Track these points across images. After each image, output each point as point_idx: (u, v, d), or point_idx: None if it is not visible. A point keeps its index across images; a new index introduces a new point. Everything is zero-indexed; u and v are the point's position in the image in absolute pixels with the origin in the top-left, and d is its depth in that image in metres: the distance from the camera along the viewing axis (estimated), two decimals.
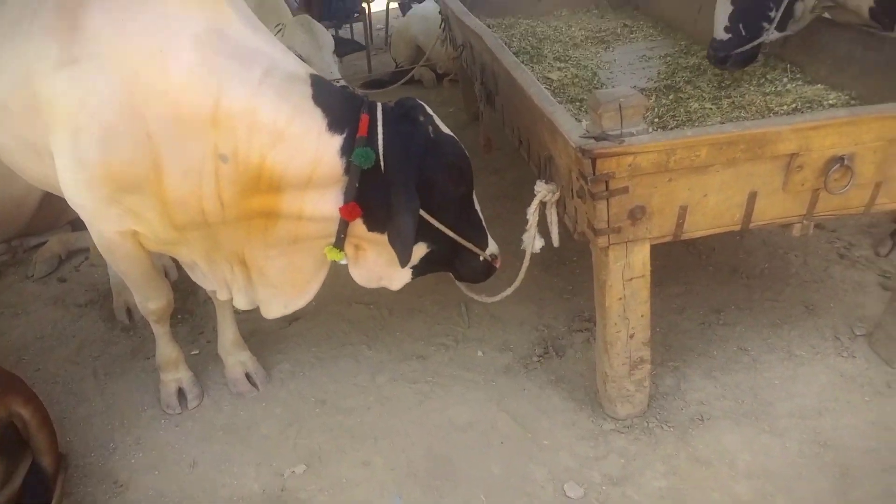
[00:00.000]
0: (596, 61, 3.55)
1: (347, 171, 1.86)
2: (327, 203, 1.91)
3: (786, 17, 2.57)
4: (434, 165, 1.90)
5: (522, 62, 3.47)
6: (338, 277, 2.29)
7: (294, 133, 1.82)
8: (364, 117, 1.86)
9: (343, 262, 2.07)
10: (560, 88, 3.10)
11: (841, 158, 1.85)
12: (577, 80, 3.18)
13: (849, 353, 2.36)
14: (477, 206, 2.11)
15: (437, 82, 5.77)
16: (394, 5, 7.66)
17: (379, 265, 2.10)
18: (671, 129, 2.56)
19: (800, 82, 2.71)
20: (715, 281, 2.87)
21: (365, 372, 2.53)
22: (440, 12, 4.45)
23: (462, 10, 3.67)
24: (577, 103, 2.94)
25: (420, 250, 2.02)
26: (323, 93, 1.89)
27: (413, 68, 4.83)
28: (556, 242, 2.15)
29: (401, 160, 1.86)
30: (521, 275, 2.19)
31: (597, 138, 1.80)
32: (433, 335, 2.66)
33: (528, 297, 2.77)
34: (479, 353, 2.55)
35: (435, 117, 1.99)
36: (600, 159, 1.78)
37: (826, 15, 2.73)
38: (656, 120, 2.67)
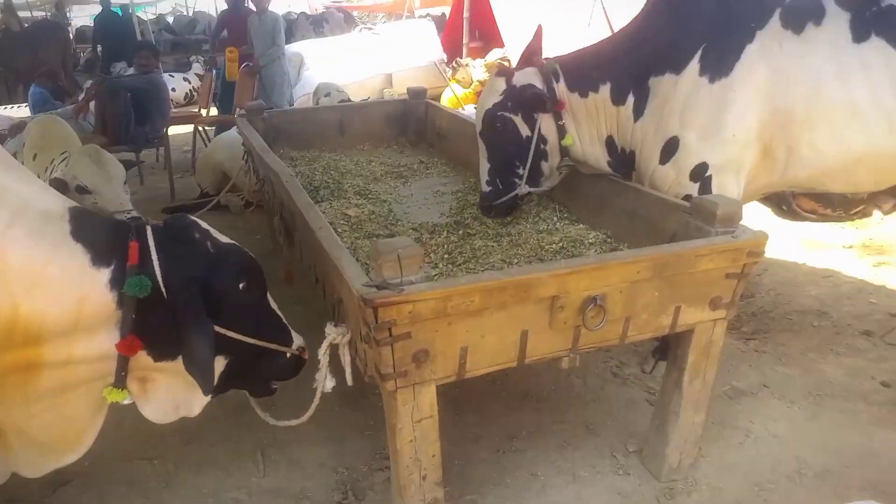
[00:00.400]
0: (394, 195, 3.75)
1: (121, 303, 1.76)
2: (101, 341, 1.78)
3: (536, 174, 2.95)
4: (221, 279, 1.88)
5: (324, 198, 3.60)
6: (119, 430, 2.09)
7: (52, 275, 1.70)
8: (133, 244, 1.79)
9: (127, 401, 1.91)
10: (357, 224, 3.21)
11: (594, 299, 2.09)
12: (373, 216, 3.31)
13: (624, 471, 2.56)
14: (273, 305, 2.12)
15: (244, 209, 5.72)
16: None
17: (173, 394, 1.97)
18: (459, 264, 2.75)
19: (566, 221, 3.06)
20: (508, 407, 3.01)
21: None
22: (243, 143, 4.48)
23: (262, 145, 3.74)
24: (374, 238, 3.06)
25: (219, 365, 1.94)
26: (84, 227, 1.79)
27: (216, 197, 4.77)
28: (349, 382, 2.16)
29: (183, 282, 1.81)
30: (311, 411, 2.18)
31: (378, 287, 1.88)
32: (224, 489, 2.48)
33: (328, 435, 2.72)
34: None
35: (211, 230, 1.96)
36: (381, 308, 1.85)
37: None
38: (446, 256, 2.84)
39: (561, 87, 2.86)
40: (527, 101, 2.82)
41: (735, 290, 2.31)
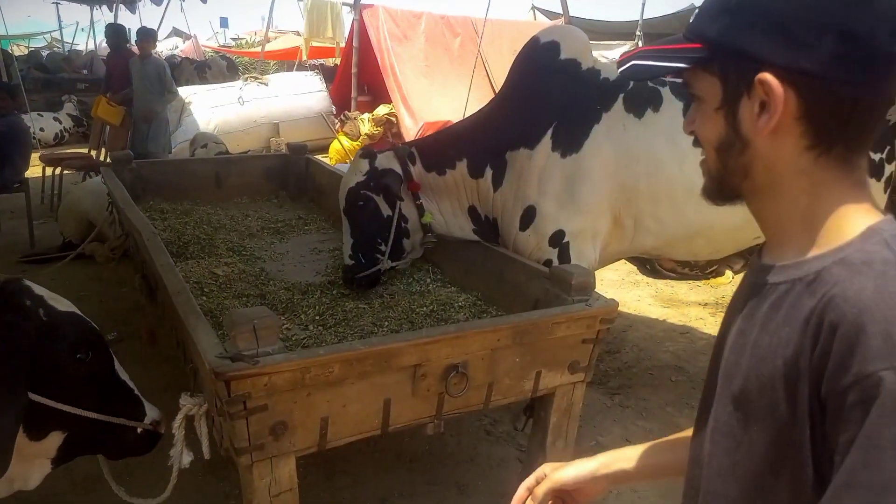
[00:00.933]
0: (269, 252, 3.68)
1: None
2: None
3: (398, 250, 3.04)
4: (53, 350, 1.73)
5: (193, 253, 3.47)
6: None
7: None
8: None
9: None
10: (227, 283, 3.12)
11: (456, 366, 2.12)
12: (244, 275, 3.23)
13: None
14: (124, 376, 1.95)
15: (112, 260, 5.40)
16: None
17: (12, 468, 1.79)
18: (329, 326, 2.72)
19: (439, 283, 3.11)
20: (381, 468, 2.97)
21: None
22: (108, 194, 4.26)
23: (126, 198, 3.58)
24: (244, 298, 2.98)
25: (56, 440, 1.78)
26: None
27: (78, 248, 4.48)
28: (206, 455, 2.05)
29: (1, 356, 1.65)
30: (169, 489, 2.04)
31: (233, 359, 1.81)
32: None
33: (186, 500, 2.56)
34: None
35: (46, 297, 1.81)
36: (234, 381, 1.79)
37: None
38: (317, 318, 2.80)
39: (417, 169, 3.02)
40: (386, 184, 2.93)
41: (591, 354, 2.42)
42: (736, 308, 0.93)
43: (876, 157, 3.06)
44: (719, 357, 0.94)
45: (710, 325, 4.55)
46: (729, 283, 5.36)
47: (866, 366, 0.71)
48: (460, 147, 2.96)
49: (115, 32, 7.59)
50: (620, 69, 0.93)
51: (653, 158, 2.84)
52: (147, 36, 7.19)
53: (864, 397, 0.71)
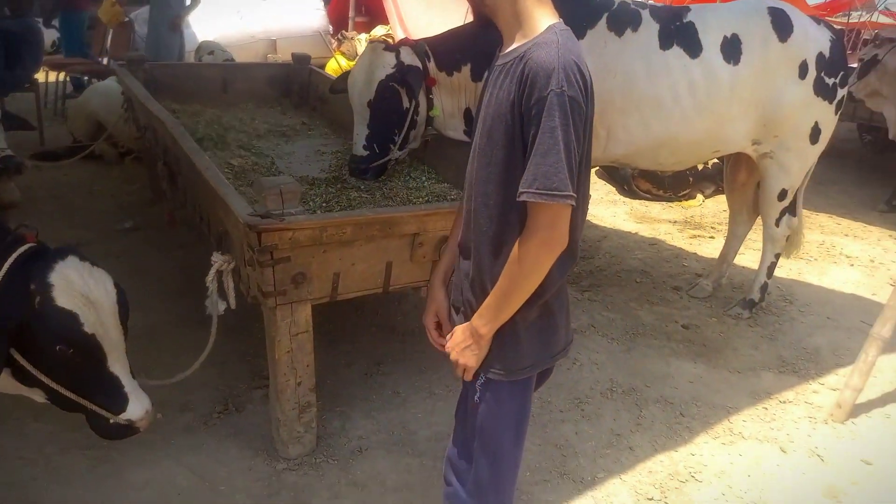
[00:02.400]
0: (277, 152, 3.98)
1: None
2: None
3: (405, 141, 3.26)
4: (38, 334, 1.78)
5: (207, 148, 3.77)
6: None
7: None
8: None
9: None
10: (241, 173, 3.44)
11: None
12: (256, 166, 3.55)
13: None
14: (118, 373, 1.93)
15: (120, 159, 5.69)
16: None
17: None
18: (335, 212, 3.07)
19: (433, 181, 3.45)
20: (377, 339, 3.40)
21: (31, 445, 2.45)
22: (123, 93, 4.51)
23: (145, 94, 3.85)
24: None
25: (40, 394, 1.91)
26: None
27: (92, 145, 4.76)
28: (232, 305, 2.44)
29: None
30: (211, 340, 2.39)
31: (263, 216, 2.18)
32: None
33: (211, 360, 2.93)
34: (159, 416, 2.65)
35: (56, 287, 1.79)
36: (265, 233, 2.15)
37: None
38: (324, 205, 3.14)
39: (432, 66, 3.22)
40: (414, 78, 3.09)
41: None
42: (487, 84, 1.60)
43: (829, 81, 3.39)
44: (479, 113, 1.62)
45: (678, 239, 4.97)
46: (699, 206, 5.77)
47: (541, 92, 1.40)
48: (466, 51, 3.19)
49: None
50: None
51: (627, 74, 3.16)
52: None
53: (539, 108, 1.40)
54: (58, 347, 1.78)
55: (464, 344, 1.64)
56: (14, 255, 1.81)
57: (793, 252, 3.99)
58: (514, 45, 1.52)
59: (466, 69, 3.21)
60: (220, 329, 2.45)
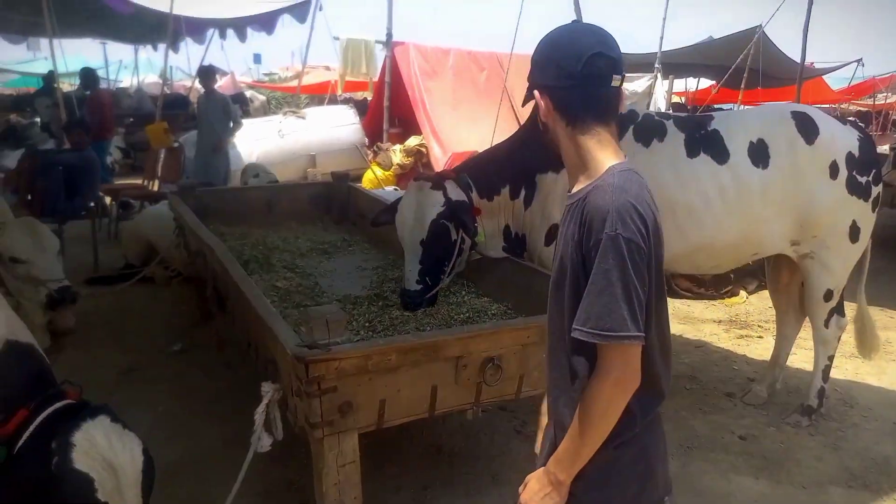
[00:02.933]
0: (319, 270, 4.10)
1: None
2: None
3: (452, 269, 3.33)
4: (49, 501, 1.72)
5: (253, 270, 3.90)
6: None
7: None
8: (20, 414, 1.79)
9: None
10: (286, 295, 3.54)
11: (492, 359, 2.50)
12: (301, 287, 3.65)
13: None
14: None
15: (170, 281, 5.88)
16: None
17: None
18: (378, 332, 3.11)
19: (473, 295, 3.49)
20: (423, 461, 3.33)
21: None
22: (175, 219, 4.74)
23: (196, 222, 4.04)
24: (302, 307, 3.38)
25: None
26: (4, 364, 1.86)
27: (144, 270, 4.96)
28: (279, 436, 2.44)
29: (12, 477, 1.74)
30: (241, 476, 2.33)
31: (310, 346, 2.22)
32: None
33: (255, 490, 2.94)
34: None
35: (78, 448, 1.74)
36: (312, 364, 2.18)
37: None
38: (367, 324, 3.19)
39: (474, 196, 3.32)
40: (465, 213, 3.18)
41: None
42: (561, 221, 1.62)
43: (862, 179, 3.40)
44: (556, 248, 1.65)
45: (724, 340, 4.86)
46: (744, 303, 5.67)
47: (597, 235, 1.43)
48: (503, 174, 3.32)
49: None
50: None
51: (657, 182, 3.22)
52: (208, 73, 7.82)
53: (596, 250, 1.43)
54: None
55: (542, 492, 1.56)
56: (46, 412, 1.79)
57: (872, 354, 3.87)
58: (578, 186, 1.56)
59: (505, 191, 3.33)
60: (266, 456, 2.43)
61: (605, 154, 1.54)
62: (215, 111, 7.48)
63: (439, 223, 3.15)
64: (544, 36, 1.60)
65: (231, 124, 7.60)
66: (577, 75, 1.48)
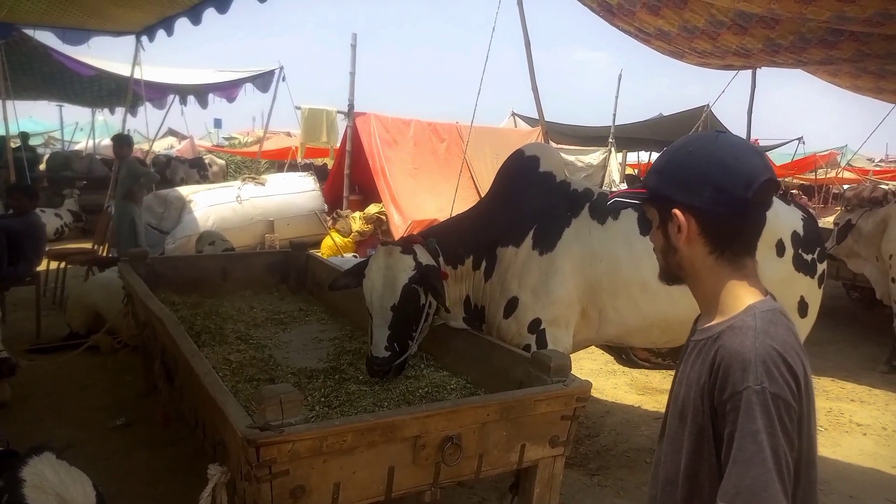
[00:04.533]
0: (274, 341, 3.99)
1: None
2: None
3: (420, 334, 3.28)
4: None
5: (205, 341, 3.78)
6: None
7: None
8: None
9: None
10: (239, 368, 3.42)
11: (451, 438, 2.43)
12: (254, 360, 3.54)
13: None
14: None
15: (116, 351, 5.64)
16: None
17: None
18: (334, 407, 3.01)
19: (432, 368, 3.44)
20: None
21: None
22: (123, 287, 4.59)
23: (146, 291, 3.91)
24: (255, 382, 3.27)
25: None
26: None
27: (89, 340, 4.76)
28: None
29: None
30: None
31: (261, 428, 2.12)
32: None
33: None
34: None
35: (28, 483, 1.70)
36: (264, 447, 2.09)
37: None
38: (322, 399, 3.09)
39: (441, 261, 3.31)
40: (435, 277, 3.16)
41: (569, 429, 2.74)
42: (681, 358, 1.45)
43: (808, 257, 3.52)
44: (671, 391, 1.46)
45: None
46: None
47: (735, 387, 1.22)
48: (468, 244, 3.34)
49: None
50: (608, 202, 1.76)
51: (612, 258, 3.29)
52: (121, 141, 7.82)
53: (735, 405, 1.22)
54: None
55: None
56: None
57: None
58: (711, 322, 1.36)
59: (469, 261, 3.35)
60: None
61: (747, 290, 1.35)
62: (127, 176, 7.46)
63: (410, 287, 3.12)
64: (683, 144, 1.39)
65: (142, 180, 7.55)
66: (742, 203, 1.30)
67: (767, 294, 1.37)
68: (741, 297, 1.34)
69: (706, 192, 1.31)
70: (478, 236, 3.39)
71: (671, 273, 1.47)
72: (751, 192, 1.29)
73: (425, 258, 3.21)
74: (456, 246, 3.35)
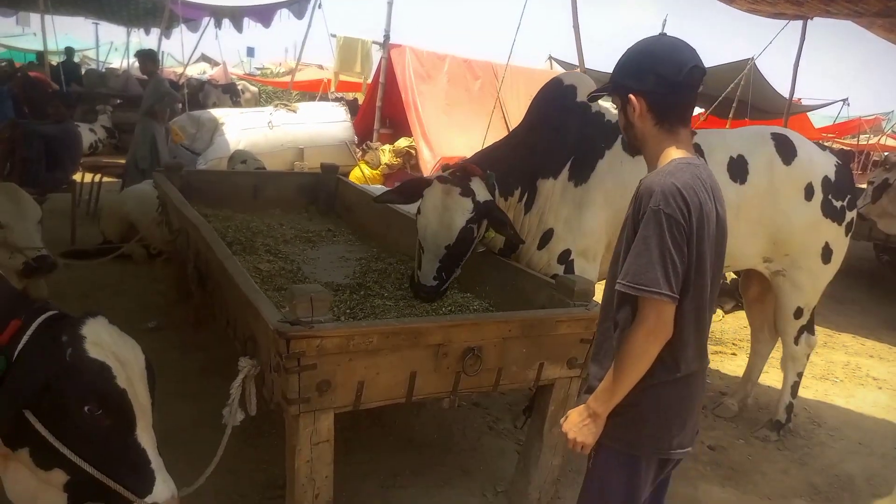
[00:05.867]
0: (302, 257, 4.07)
1: None
2: None
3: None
4: (66, 392, 1.69)
5: (236, 252, 3.86)
6: None
7: None
8: (14, 324, 1.75)
9: None
10: (268, 278, 3.51)
11: (472, 349, 2.50)
12: (283, 272, 3.63)
13: None
14: (146, 446, 1.81)
15: (149, 260, 5.81)
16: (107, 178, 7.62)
17: (27, 484, 1.83)
18: (360, 318, 3.10)
19: (456, 290, 3.49)
20: (394, 449, 3.32)
21: None
22: (158, 197, 4.69)
23: (181, 199, 4.00)
24: (283, 291, 3.36)
25: (59, 476, 1.76)
26: None
27: (123, 246, 4.89)
28: (252, 412, 2.43)
29: (20, 374, 1.69)
30: (221, 451, 2.30)
31: (292, 323, 2.21)
32: None
33: (226, 468, 2.89)
34: None
35: (88, 339, 1.74)
36: (293, 340, 2.18)
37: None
38: (348, 311, 3.18)
39: (496, 194, 3.23)
40: (499, 215, 3.13)
41: (587, 352, 2.80)
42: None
43: (837, 203, 3.48)
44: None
45: None
46: (720, 321, 5.74)
47: (644, 209, 1.75)
48: (516, 175, 3.29)
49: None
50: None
51: None
52: (145, 57, 7.75)
53: (643, 221, 1.74)
54: (86, 408, 1.68)
55: (581, 423, 1.87)
56: (41, 319, 1.77)
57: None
58: None
59: (517, 192, 3.31)
60: (236, 435, 2.41)
61: (676, 151, 1.84)
62: (152, 93, 7.41)
63: (467, 228, 3.09)
64: (635, 46, 1.89)
65: (165, 99, 7.49)
66: (675, 84, 1.79)
67: (694, 154, 1.87)
68: (670, 154, 1.84)
69: (650, 79, 1.82)
70: (522, 167, 3.36)
71: (632, 145, 1.96)
72: (682, 76, 1.79)
73: (483, 194, 3.12)
74: (507, 176, 3.28)
